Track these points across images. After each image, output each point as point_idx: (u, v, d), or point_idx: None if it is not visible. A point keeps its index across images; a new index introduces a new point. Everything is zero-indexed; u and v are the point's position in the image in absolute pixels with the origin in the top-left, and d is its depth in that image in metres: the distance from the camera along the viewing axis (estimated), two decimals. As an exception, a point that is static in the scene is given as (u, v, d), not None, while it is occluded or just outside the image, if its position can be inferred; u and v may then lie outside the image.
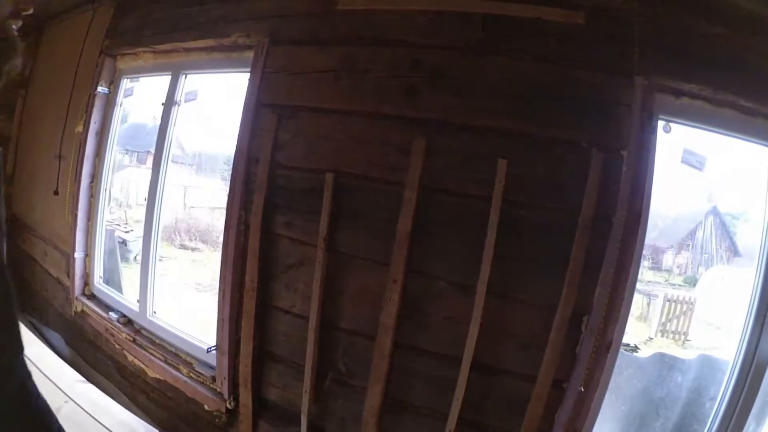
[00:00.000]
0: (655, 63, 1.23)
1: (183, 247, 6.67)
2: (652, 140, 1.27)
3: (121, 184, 7.04)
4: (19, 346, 0.77)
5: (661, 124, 1.31)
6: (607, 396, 1.28)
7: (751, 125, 1.28)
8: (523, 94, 1.28)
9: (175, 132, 2.03)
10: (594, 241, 1.20)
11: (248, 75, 1.59)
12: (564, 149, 1.25)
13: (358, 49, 1.40)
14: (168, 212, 6.54)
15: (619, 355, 1.29)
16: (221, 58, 1.80)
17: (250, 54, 1.62)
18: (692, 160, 1.37)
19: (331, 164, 1.38)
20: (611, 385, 1.29)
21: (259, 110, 1.52)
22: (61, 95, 2.42)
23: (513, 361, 1.26)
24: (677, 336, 5.90)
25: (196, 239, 6.77)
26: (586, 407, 1.23)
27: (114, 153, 2.35)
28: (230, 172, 1.60)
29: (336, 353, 1.44)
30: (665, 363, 2.19)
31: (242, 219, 1.54)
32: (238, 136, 1.55)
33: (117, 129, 2.31)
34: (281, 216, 1.47)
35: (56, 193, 2.39)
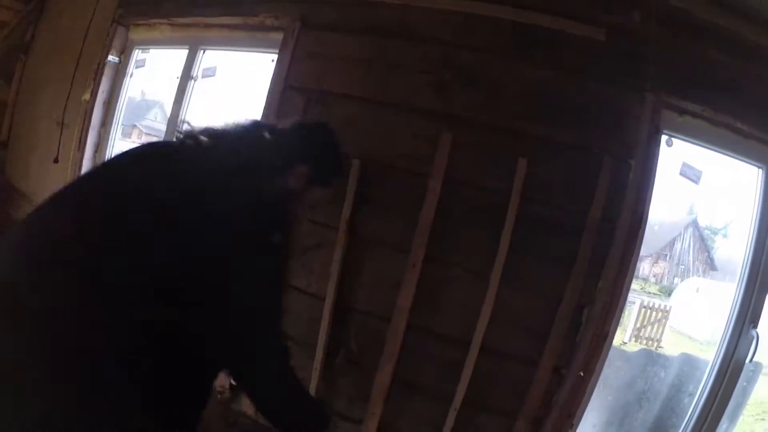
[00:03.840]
0: (664, 81, 1.34)
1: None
2: (657, 152, 1.38)
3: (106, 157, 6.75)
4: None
5: (664, 138, 1.44)
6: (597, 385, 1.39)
7: (744, 146, 1.41)
8: (544, 99, 1.37)
9: (191, 105, 2.02)
10: (599, 239, 1.31)
11: (273, 56, 1.62)
12: (578, 153, 1.35)
13: (391, 41, 1.45)
14: None
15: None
16: (244, 36, 1.81)
17: (277, 35, 1.64)
18: (690, 174, 1.50)
19: (357, 151, 1.43)
20: (601, 374, 1.41)
21: (286, 92, 1.55)
22: (66, 62, 2.36)
23: (518, 347, 1.35)
24: (651, 342, 6.20)
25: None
26: (581, 392, 1.33)
27: (119, 123, 2.32)
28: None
29: (348, 333, 1.50)
30: (650, 358, 2.34)
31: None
32: (263, 116, 1.57)
33: (126, 99, 2.27)
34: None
35: (56, 161, 2.33)
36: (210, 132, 0.88)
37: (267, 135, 0.92)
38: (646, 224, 1.39)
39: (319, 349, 1.51)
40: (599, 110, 1.36)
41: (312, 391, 1.53)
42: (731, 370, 1.40)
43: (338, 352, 1.52)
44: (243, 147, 0.86)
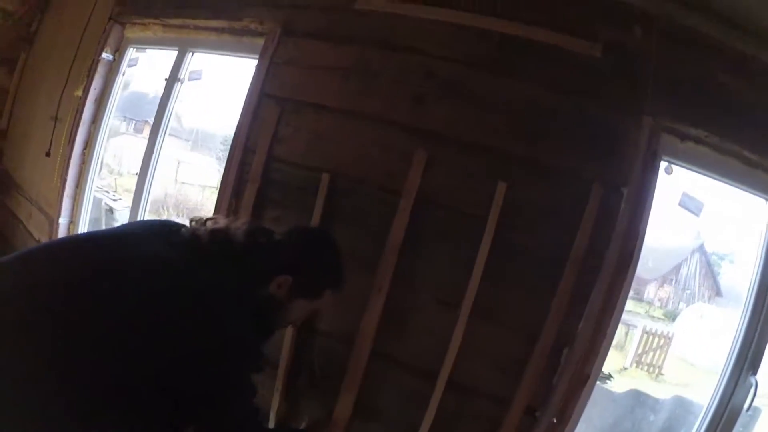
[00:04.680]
0: (665, 104, 1.23)
1: (170, 222, 6.54)
2: (654, 180, 1.27)
3: (115, 151, 6.92)
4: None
5: (663, 164, 1.32)
6: (579, 427, 1.28)
7: (751, 176, 1.28)
8: (531, 118, 1.27)
9: (176, 106, 2.00)
10: (583, 274, 1.20)
11: (256, 62, 1.57)
12: (565, 179, 1.25)
13: (371, 51, 1.37)
14: (159, 185, 6.45)
15: (594, 387, 1.30)
16: (231, 40, 1.77)
17: (261, 41, 1.59)
18: (690, 205, 1.38)
19: (328, 164, 1.36)
20: (584, 416, 1.30)
21: (262, 100, 1.49)
22: (65, 56, 2.36)
23: (489, 383, 1.25)
24: (652, 369, 5.98)
25: (183, 216, 6.69)
26: None
27: (110, 121, 2.31)
28: (226, 156, 1.57)
29: (311, 355, 1.43)
30: (639, 400, 2.20)
31: (232, 206, 1.52)
32: (238, 123, 1.52)
33: (117, 97, 2.26)
34: (271, 210, 1.45)
35: (48, 154, 2.34)
36: (213, 232, 0.96)
37: (263, 241, 1.00)
38: (637, 259, 1.27)
39: (280, 369, 1.44)
40: (591, 132, 1.25)
41: (273, 410, 1.46)
42: (726, 418, 1.29)
43: (300, 374, 1.45)
44: (237, 254, 0.94)
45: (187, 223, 1.02)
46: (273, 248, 1.01)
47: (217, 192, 1.54)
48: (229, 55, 1.85)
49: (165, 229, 0.99)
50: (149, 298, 0.81)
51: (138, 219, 2.04)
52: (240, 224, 1.01)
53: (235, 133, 1.52)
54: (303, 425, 1.36)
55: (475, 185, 1.26)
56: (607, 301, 1.21)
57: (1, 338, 0.73)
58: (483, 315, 1.24)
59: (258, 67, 1.52)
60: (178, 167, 7.73)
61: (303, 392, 1.44)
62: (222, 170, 1.58)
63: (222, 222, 1.00)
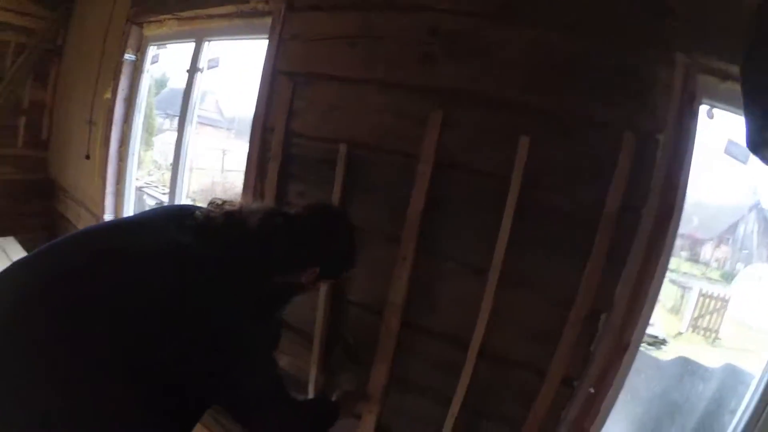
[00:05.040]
0: (700, 39, 1.10)
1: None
2: (692, 126, 1.15)
3: (161, 148, 7.24)
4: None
5: (704, 108, 1.20)
6: (622, 396, 1.21)
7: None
8: (550, 67, 1.17)
9: (214, 97, 2.06)
10: (619, 232, 1.10)
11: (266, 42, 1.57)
12: (592, 130, 1.15)
13: (375, 14, 1.33)
14: (205, 175, 6.70)
15: (639, 356, 1.22)
16: (242, 24, 1.79)
17: (269, 20, 1.59)
18: (736, 152, 1.25)
19: (344, 134, 1.35)
20: (627, 385, 1.23)
21: (275, 77, 1.50)
22: (92, 63, 2.49)
23: (522, 353, 1.20)
24: (708, 333, 5.66)
25: (230, 202, 6.90)
26: (595, 408, 1.16)
27: (142, 118, 2.41)
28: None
29: (345, 326, 1.45)
30: (687, 369, 2.08)
31: (258, 188, 1.55)
32: (255, 103, 1.55)
33: (145, 95, 2.35)
34: (294, 185, 1.46)
35: (87, 157, 2.48)
36: (227, 215, 0.95)
37: (280, 222, 0.98)
38: (680, 214, 1.17)
39: (316, 340, 1.47)
40: (618, 77, 1.13)
41: (311, 382, 1.51)
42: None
43: (336, 345, 1.48)
44: (251, 236, 0.93)
45: (206, 206, 1.01)
46: (294, 234, 0.99)
47: (244, 174, 1.57)
48: (243, 39, 1.87)
49: (180, 213, 0.98)
50: (155, 282, 0.80)
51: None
52: (255, 206, 1.00)
53: (254, 114, 1.54)
54: (335, 397, 1.39)
55: (496, 143, 1.20)
56: (647, 261, 1.11)
57: (17, 332, 0.73)
58: (513, 281, 1.19)
59: (269, 46, 1.52)
60: (223, 156, 8.01)
61: (339, 364, 1.47)
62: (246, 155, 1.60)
63: (237, 204, 0.99)
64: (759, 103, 0.87)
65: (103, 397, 0.72)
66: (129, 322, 0.75)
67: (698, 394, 1.91)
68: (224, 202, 1.00)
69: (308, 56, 1.45)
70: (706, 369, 2.08)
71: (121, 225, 1.08)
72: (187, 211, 0.99)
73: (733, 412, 1.25)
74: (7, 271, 0.82)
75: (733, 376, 1.81)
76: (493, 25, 1.20)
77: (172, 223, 0.93)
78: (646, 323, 1.19)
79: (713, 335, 5.67)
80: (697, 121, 1.16)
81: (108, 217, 2.39)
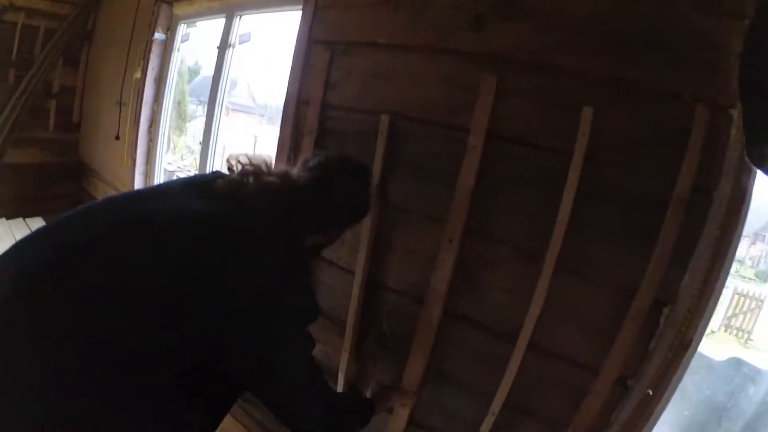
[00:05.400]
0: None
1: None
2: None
3: (195, 133, 7.46)
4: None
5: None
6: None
7: None
8: (615, 31, 1.03)
9: (248, 84, 2.01)
10: (689, 217, 0.97)
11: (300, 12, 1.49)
12: (662, 101, 1.00)
13: (419, -25, 1.22)
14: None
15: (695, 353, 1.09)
16: (274, -4, 1.71)
17: (304, -10, 1.50)
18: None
19: (386, 105, 1.25)
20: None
21: (311, 48, 1.41)
22: (121, 44, 2.48)
23: (575, 347, 1.09)
24: (740, 333, 5.39)
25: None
26: (649, 411, 1.04)
27: (171, 98, 2.38)
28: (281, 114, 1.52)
29: (381, 313, 1.36)
30: (740, 371, 1.92)
31: (292, 162, 1.47)
32: (289, 75, 1.46)
33: (175, 74, 2.32)
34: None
35: (117, 138, 2.47)
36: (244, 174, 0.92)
37: (295, 178, 0.97)
38: (750, 198, 1.02)
39: (348, 327, 1.39)
40: (690, 44, 0.97)
41: (342, 371, 1.43)
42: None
43: (369, 333, 1.39)
44: (286, 199, 0.91)
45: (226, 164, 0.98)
46: (324, 199, 0.96)
47: (276, 149, 1.49)
48: (275, 11, 1.79)
49: (199, 181, 0.96)
50: (178, 249, 0.75)
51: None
52: (274, 167, 0.99)
53: (287, 87, 1.46)
54: (368, 393, 1.30)
55: (555, 114, 1.08)
56: (718, 249, 0.97)
57: (37, 303, 0.69)
58: (570, 269, 1.07)
59: (303, 15, 1.44)
60: (255, 142, 8.16)
61: (372, 353, 1.39)
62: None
63: (255, 165, 0.95)
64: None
65: (126, 383, 0.68)
66: (149, 298, 0.71)
67: (749, 397, 1.77)
68: (241, 164, 0.95)
69: (347, 23, 1.35)
70: (758, 371, 1.93)
71: (142, 193, 1.07)
72: (207, 178, 0.96)
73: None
74: (24, 241, 0.79)
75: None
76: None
77: (191, 190, 0.90)
78: (709, 320, 1.06)
79: (746, 335, 5.41)
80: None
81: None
